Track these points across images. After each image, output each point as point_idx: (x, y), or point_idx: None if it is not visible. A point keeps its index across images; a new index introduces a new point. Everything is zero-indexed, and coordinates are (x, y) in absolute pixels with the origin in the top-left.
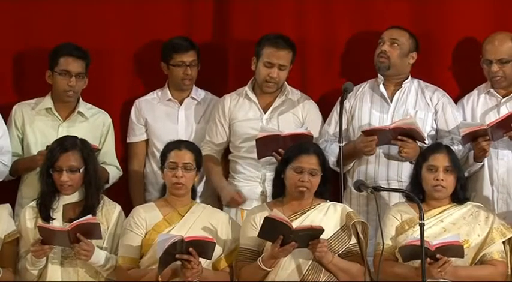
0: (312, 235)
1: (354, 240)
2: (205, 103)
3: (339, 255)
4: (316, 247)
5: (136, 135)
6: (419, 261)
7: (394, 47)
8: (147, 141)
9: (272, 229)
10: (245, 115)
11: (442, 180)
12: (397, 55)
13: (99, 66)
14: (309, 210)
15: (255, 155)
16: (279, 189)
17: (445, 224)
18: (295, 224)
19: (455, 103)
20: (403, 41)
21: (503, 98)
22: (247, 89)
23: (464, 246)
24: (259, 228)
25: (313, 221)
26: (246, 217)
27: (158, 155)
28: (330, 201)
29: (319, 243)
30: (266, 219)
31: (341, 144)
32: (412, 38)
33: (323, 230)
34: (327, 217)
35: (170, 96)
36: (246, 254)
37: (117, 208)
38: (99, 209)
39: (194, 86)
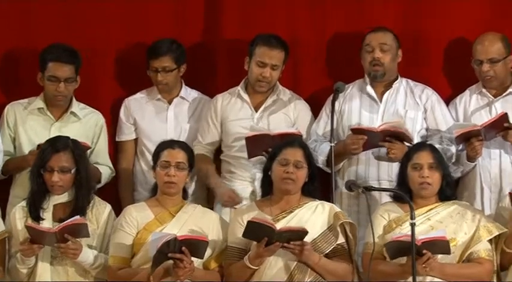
0: (296, 236)
1: (341, 240)
2: (195, 103)
3: (326, 254)
4: (294, 248)
5: (125, 134)
6: (405, 258)
7: (385, 53)
8: (136, 140)
9: (256, 231)
10: (236, 114)
11: (428, 177)
12: (390, 60)
13: (90, 65)
14: (297, 208)
15: (245, 155)
16: (267, 188)
17: (432, 222)
18: (283, 222)
19: (448, 103)
20: (391, 44)
21: (495, 97)
22: (239, 88)
23: (452, 245)
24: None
25: (301, 220)
26: (234, 216)
27: (147, 153)
28: (319, 200)
29: (301, 246)
30: (249, 223)
31: (332, 144)
32: (395, 36)
33: (307, 232)
34: (315, 216)
35: (159, 96)
36: (233, 252)
37: (108, 208)
38: (90, 209)
39: (184, 85)
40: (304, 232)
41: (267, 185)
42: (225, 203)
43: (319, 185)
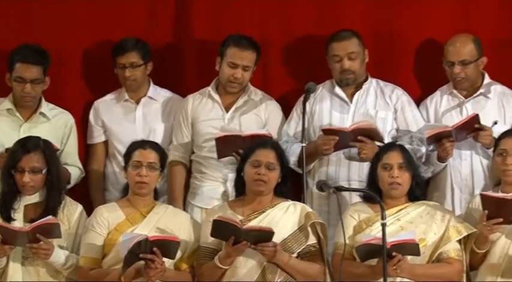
0: (262, 236)
1: (313, 240)
2: (165, 102)
3: (298, 254)
4: (264, 249)
5: (95, 137)
6: (375, 259)
7: (354, 61)
8: (106, 142)
9: (222, 230)
10: (207, 115)
11: (397, 177)
12: (359, 65)
13: (60, 66)
14: (269, 209)
15: (216, 155)
16: (241, 188)
17: (402, 222)
18: (254, 222)
19: (419, 104)
20: (358, 50)
21: (466, 98)
22: (210, 88)
23: (421, 245)
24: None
25: (272, 220)
26: (207, 216)
27: (118, 155)
28: (292, 201)
29: (266, 247)
30: (214, 221)
31: (304, 144)
32: (359, 39)
33: (273, 232)
34: (286, 216)
35: (127, 97)
36: (205, 252)
37: (79, 208)
38: (61, 209)
39: (152, 84)
40: (271, 232)
41: (240, 185)
42: None
43: (291, 186)
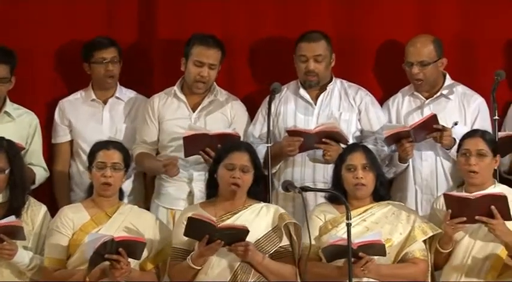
0: (237, 235)
1: (286, 242)
2: (130, 102)
3: (271, 255)
4: (238, 249)
5: (60, 136)
6: (342, 260)
7: (319, 63)
8: (71, 141)
9: (197, 229)
10: (173, 114)
11: (362, 178)
12: (324, 68)
13: (25, 65)
14: (241, 210)
15: (182, 155)
16: (213, 190)
17: (368, 223)
18: (223, 223)
19: (381, 105)
20: (325, 54)
21: (427, 99)
22: (176, 88)
23: (387, 245)
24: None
25: (245, 222)
26: (179, 217)
27: (83, 155)
28: (264, 202)
29: (241, 246)
30: (190, 219)
31: (269, 145)
32: (328, 41)
33: (248, 231)
34: (259, 218)
35: (94, 97)
36: (178, 253)
37: (43, 209)
38: (25, 210)
39: (119, 85)
40: (245, 230)
41: (213, 187)
42: (165, 169)
43: (263, 186)
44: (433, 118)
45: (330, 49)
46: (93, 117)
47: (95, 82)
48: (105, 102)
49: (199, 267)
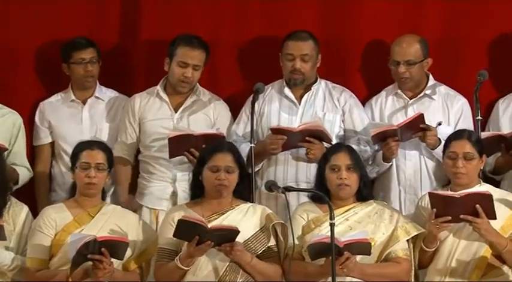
0: (227, 235)
1: (272, 243)
2: (110, 102)
3: (258, 255)
4: (228, 249)
5: (41, 138)
6: (323, 259)
7: (306, 63)
8: (52, 143)
9: (187, 230)
10: (155, 114)
11: (345, 178)
12: (310, 68)
13: (6, 66)
14: (228, 210)
15: (165, 155)
16: (198, 191)
17: (351, 222)
18: (213, 224)
19: (364, 104)
20: (312, 54)
21: (411, 99)
22: (158, 88)
23: None
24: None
25: (232, 222)
26: (165, 217)
27: (64, 156)
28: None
29: (231, 247)
30: (180, 221)
31: (253, 144)
32: (316, 43)
33: (238, 231)
34: (246, 218)
35: (73, 97)
36: (164, 254)
37: (25, 209)
38: (6, 210)
39: (99, 85)
40: (235, 231)
41: (198, 187)
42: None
43: (248, 185)
44: (420, 117)
45: (316, 50)
46: (72, 118)
47: (74, 83)
48: (84, 102)
49: (187, 268)
